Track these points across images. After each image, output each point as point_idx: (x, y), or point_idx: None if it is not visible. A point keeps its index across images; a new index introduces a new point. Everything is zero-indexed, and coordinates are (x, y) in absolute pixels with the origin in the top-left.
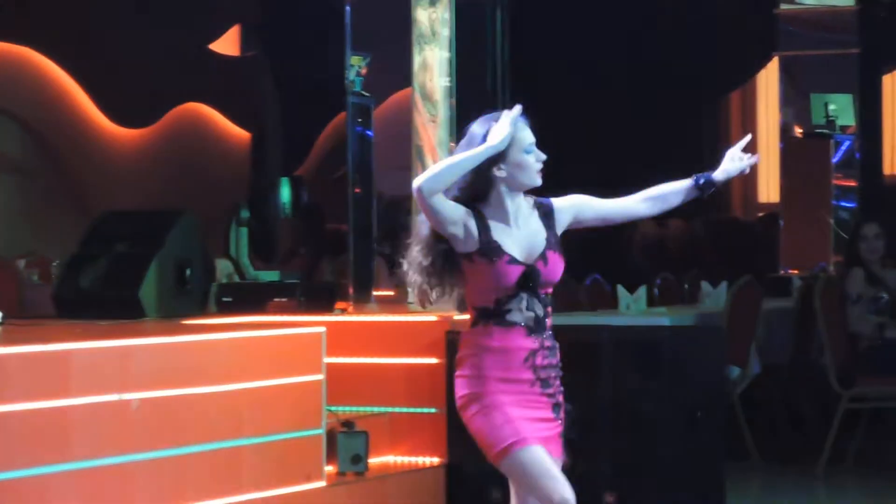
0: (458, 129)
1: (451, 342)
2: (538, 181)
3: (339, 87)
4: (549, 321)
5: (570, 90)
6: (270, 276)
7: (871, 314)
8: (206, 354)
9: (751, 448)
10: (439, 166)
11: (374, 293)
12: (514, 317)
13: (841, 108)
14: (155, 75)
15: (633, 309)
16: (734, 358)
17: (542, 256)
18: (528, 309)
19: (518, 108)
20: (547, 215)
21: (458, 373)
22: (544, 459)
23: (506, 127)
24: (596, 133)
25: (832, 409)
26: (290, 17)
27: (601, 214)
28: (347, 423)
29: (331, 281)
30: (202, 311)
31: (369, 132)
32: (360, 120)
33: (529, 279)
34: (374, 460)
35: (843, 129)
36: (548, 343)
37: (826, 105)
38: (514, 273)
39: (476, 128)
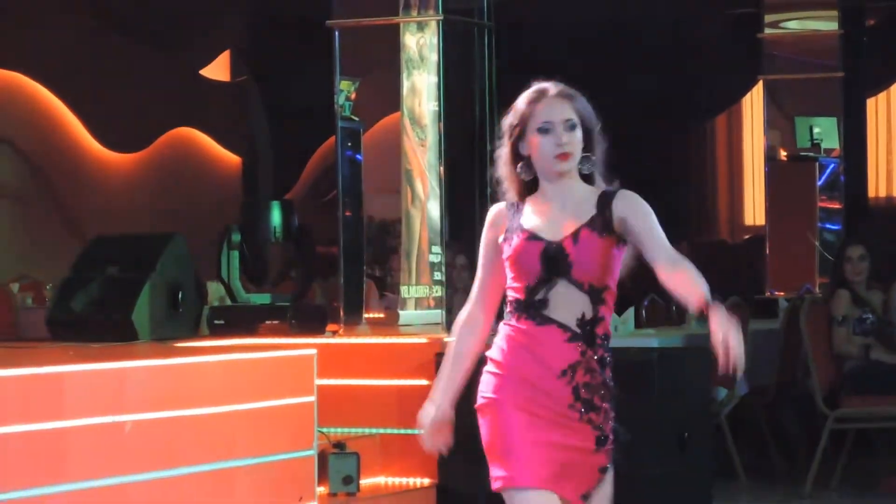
0: (448, 154)
1: (441, 364)
2: (556, 168)
3: (329, 112)
4: (601, 328)
5: None
6: (262, 298)
7: (857, 335)
8: (198, 377)
9: (738, 468)
10: None
11: (365, 315)
12: (551, 311)
13: (825, 131)
14: (146, 100)
15: (621, 330)
16: (721, 379)
17: (574, 234)
18: (568, 302)
19: None
20: (604, 200)
21: (485, 368)
22: None
23: None
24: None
25: (818, 429)
26: (280, 43)
27: (637, 242)
28: (339, 445)
29: (322, 303)
30: (194, 334)
31: (359, 156)
32: (349, 144)
33: (553, 258)
34: (365, 481)
35: (828, 152)
36: (595, 356)
37: (811, 128)
38: (533, 250)
39: (514, 105)
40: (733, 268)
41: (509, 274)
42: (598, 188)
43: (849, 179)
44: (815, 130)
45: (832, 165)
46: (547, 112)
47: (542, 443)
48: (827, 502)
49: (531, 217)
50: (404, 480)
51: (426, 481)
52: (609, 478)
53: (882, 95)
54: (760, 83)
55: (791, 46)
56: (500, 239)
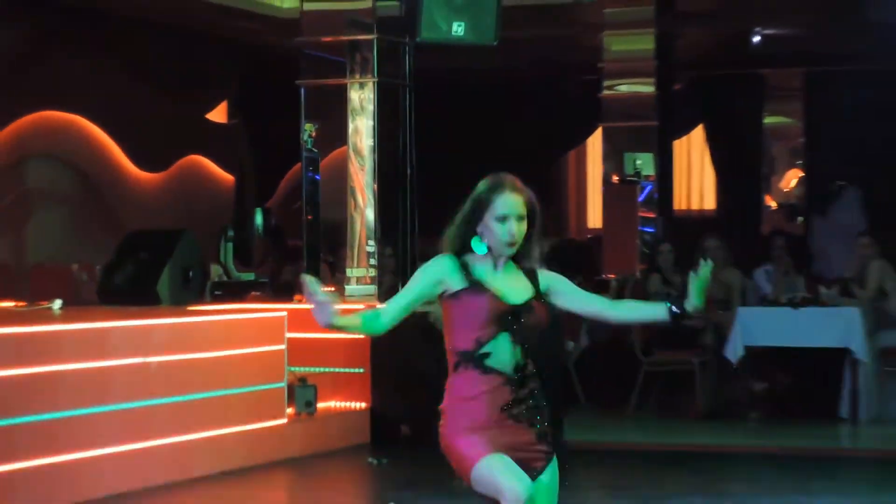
0: (379, 175)
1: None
2: (505, 251)
3: (297, 145)
4: (530, 373)
5: (458, 151)
6: (248, 276)
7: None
8: (204, 330)
9: (581, 397)
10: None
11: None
12: (493, 361)
13: (644, 163)
14: (168, 135)
15: None
16: (570, 335)
17: (528, 304)
18: (508, 354)
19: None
20: (530, 275)
21: (441, 422)
22: (501, 462)
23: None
24: (469, 186)
25: (637, 371)
26: (262, 95)
27: (575, 302)
28: (302, 379)
29: (290, 280)
30: (201, 301)
31: (318, 177)
32: (310, 168)
33: (513, 319)
34: (321, 405)
35: (646, 177)
36: (528, 393)
37: (634, 161)
38: (497, 309)
39: (477, 190)
40: (579, 257)
41: (465, 321)
42: (520, 264)
43: (660, 197)
44: (637, 162)
45: (649, 187)
46: (505, 204)
47: (494, 441)
48: (644, 422)
49: (483, 276)
50: (348, 404)
51: (363, 405)
52: (554, 466)
53: (684, 139)
54: (600, 129)
55: (621, 103)
56: (458, 287)
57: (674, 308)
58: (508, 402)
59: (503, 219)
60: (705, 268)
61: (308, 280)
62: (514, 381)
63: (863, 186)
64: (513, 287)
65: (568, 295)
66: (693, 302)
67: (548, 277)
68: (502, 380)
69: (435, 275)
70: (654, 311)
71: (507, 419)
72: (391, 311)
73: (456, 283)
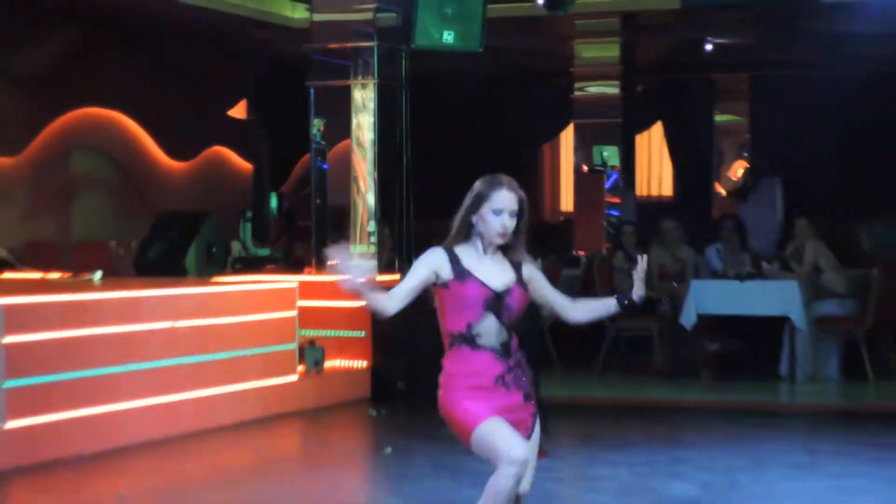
0: (379, 164)
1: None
2: (497, 241)
3: (307, 138)
4: (514, 346)
5: (448, 144)
6: (264, 252)
7: (628, 279)
8: (225, 298)
9: (553, 357)
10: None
11: (328, 263)
12: (483, 340)
13: (610, 155)
14: (195, 128)
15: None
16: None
17: (508, 288)
18: (496, 333)
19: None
20: (515, 265)
21: (440, 394)
22: (499, 426)
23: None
24: (457, 174)
25: (604, 335)
26: (278, 94)
27: (542, 295)
28: (311, 341)
29: (301, 255)
30: (222, 273)
31: (325, 165)
32: (319, 158)
33: (497, 302)
34: (327, 364)
35: (612, 167)
36: (514, 363)
37: (602, 153)
38: (483, 294)
39: (477, 185)
40: (553, 237)
41: (456, 307)
42: (508, 255)
43: (624, 184)
44: (604, 154)
45: (614, 175)
46: (501, 200)
47: (490, 406)
48: (610, 379)
49: (470, 265)
50: (351, 363)
51: (364, 364)
52: (537, 423)
53: (645, 134)
54: (572, 125)
55: (590, 103)
56: (447, 277)
57: (624, 300)
58: (499, 373)
59: (498, 212)
60: (642, 263)
61: (339, 250)
62: (502, 355)
63: (799, 178)
64: (497, 275)
65: (538, 289)
66: (638, 292)
67: (528, 269)
68: (492, 355)
69: (429, 264)
70: (606, 307)
71: (499, 387)
72: (397, 296)
73: (446, 273)
